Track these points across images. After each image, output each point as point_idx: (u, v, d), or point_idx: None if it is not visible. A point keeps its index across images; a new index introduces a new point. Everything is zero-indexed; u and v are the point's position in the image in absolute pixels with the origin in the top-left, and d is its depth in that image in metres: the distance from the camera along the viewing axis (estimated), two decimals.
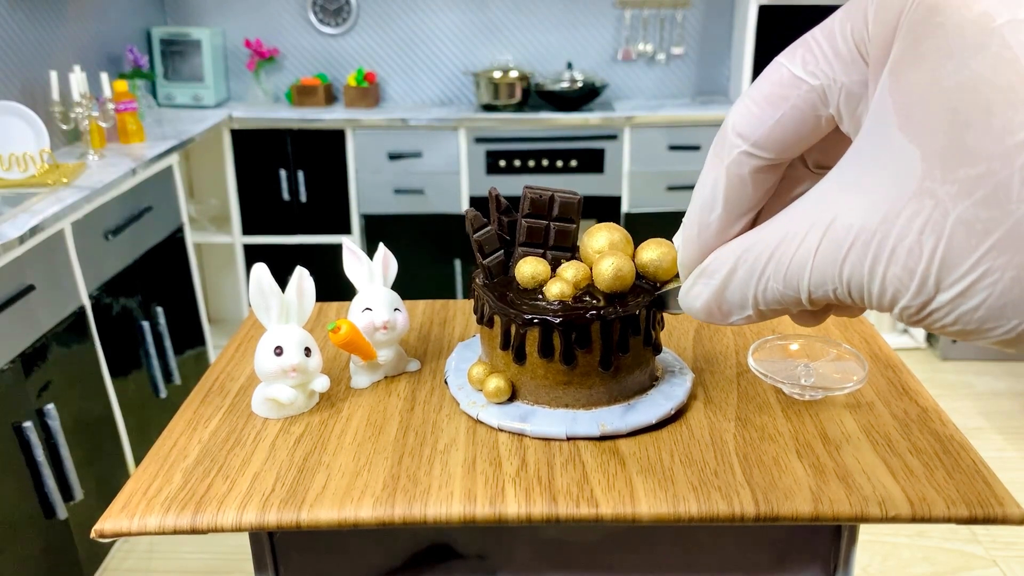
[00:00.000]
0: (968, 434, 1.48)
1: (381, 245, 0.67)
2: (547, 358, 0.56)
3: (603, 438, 0.56)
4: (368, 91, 2.92)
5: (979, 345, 0.28)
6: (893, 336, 2.91)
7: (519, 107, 2.84)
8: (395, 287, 0.66)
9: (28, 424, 1.55)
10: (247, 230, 2.88)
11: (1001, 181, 0.24)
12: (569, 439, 0.56)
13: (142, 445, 2.03)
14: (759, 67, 2.79)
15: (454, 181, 2.79)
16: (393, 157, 2.78)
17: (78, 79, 2.12)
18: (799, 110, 0.31)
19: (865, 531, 1.94)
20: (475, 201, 2.79)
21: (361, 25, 3.04)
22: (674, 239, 0.40)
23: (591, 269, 0.56)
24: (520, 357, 0.57)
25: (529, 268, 0.57)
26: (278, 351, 0.59)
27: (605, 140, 2.76)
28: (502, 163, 2.77)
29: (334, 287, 1.49)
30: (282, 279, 0.59)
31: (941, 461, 0.53)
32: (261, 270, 0.59)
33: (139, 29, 2.87)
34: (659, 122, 2.74)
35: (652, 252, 0.56)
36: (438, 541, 0.64)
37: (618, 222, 1.81)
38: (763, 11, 2.74)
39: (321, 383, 0.61)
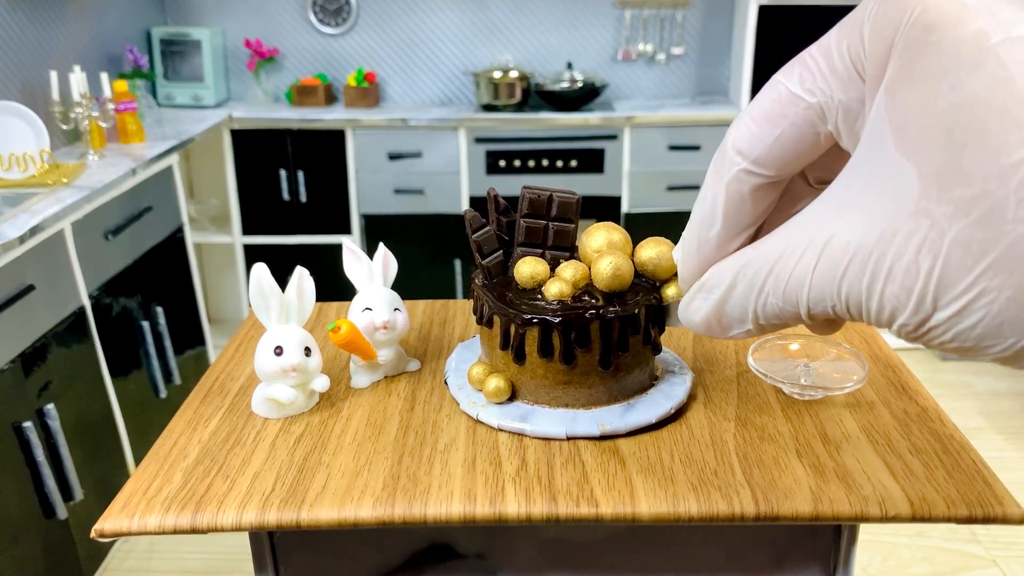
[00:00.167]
0: (968, 434, 1.48)
1: (381, 245, 0.67)
2: (547, 358, 0.56)
3: (603, 438, 0.56)
4: (368, 91, 2.92)
5: (978, 361, 0.28)
6: (893, 336, 2.91)
7: (519, 107, 2.84)
8: (395, 287, 0.66)
9: (28, 424, 1.55)
10: (247, 230, 2.88)
11: (997, 202, 0.25)
12: (569, 439, 0.56)
13: (142, 445, 2.03)
14: (759, 67, 2.79)
15: (454, 181, 2.79)
16: (393, 157, 2.78)
17: (78, 79, 2.12)
18: (798, 127, 0.31)
19: (865, 531, 1.94)
20: (475, 201, 2.79)
21: (361, 25, 3.04)
22: (673, 252, 0.40)
23: (590, 269, 0.56)
24: (520, 357, 0.57)
25: (528, 268, 0.57)
26: (278, 351, 0.59)
27: (605, 140, 2.76)
28: (502, 163, 2.77)
29: (334, 287, 1.50)
30: (282, 279, 0.59)
31: (941, 461, 0.54)
32: (261, 270, 0.59)
33: (139, 29, 2.87)
34: (659, 122, 2.74)
35: (651, 250, 0.56)
36: (438, 541, 0.64)
37: (618, 222, 1.81)
38: (763, 11, 2.74)
39: (321, 383, 0.61)
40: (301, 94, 2.91)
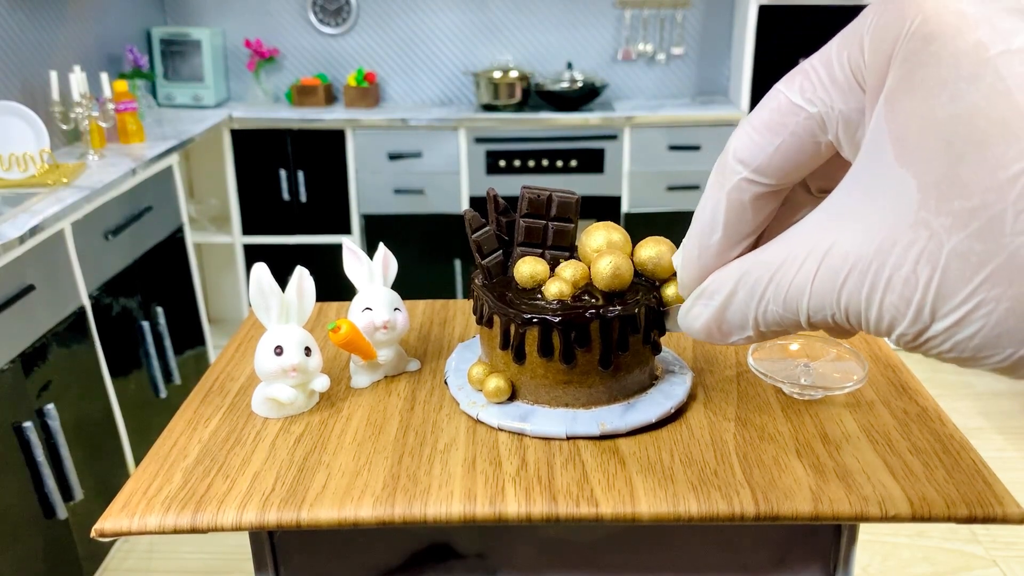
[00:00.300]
0: (968, 434, 1.48)
1: (381, 245, 0.67)
2: (547, 357, 0.56)
3: (603, 437, 0.56)
4: (368, 91, 2.92)
5: (977, 370, 0.28)
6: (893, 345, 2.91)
7: (519, 107, 2.84)
8: (395, 287, 0.66)
9: (28, 424, 1.55)
10: (247, 230, 2.88)
11: (995, 215, 0.25)
12: (569, 438, 0.56)
13: (142, 445, 2.03)
14: (759, 67, 2.79)
15: (454, 181, 2.79)
16: (393, 157, 2.78)
17: (78, 79, 2.12)
18: (798, 137, 0.31)
19: (865, 531, 1.94)
20: (475, 201, 2.79)
21: (361, 25, 3.04)
22: (673, 258, 0.40)
23: (589, 268, 0.56)
24: (520, 357, 0.57)
25: (528, 268, 0.57)
26: (278, 351, 0.59)
27: (605, 140, 2.76)
28: (502, 163, 2.77)
29: (334, 287, 1.50)
30: (282, 279, 0.59)
31: (941, 461, 0.53)
32: (261, 270, 0.59)
33: (139, 29, 2.87)
34: (659, 122, 2.74)
35: (650, 250, 0.56)
36: (438, 541, 0.64)
37: (618, 222, 1.82)
38: (763, 11, 2.74)
39: (321, 383, 0.61)
40: (301, 94, 2.91)
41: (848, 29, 0.30)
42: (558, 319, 0.54)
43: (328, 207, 2.83)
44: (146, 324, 2.11)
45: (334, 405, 0.62)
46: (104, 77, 2.26)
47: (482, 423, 0.58)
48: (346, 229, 2.85)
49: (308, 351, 0.60)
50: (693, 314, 0.37)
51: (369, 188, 2.81)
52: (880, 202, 0.28)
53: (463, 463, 0.54)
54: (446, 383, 0.63)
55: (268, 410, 0.60)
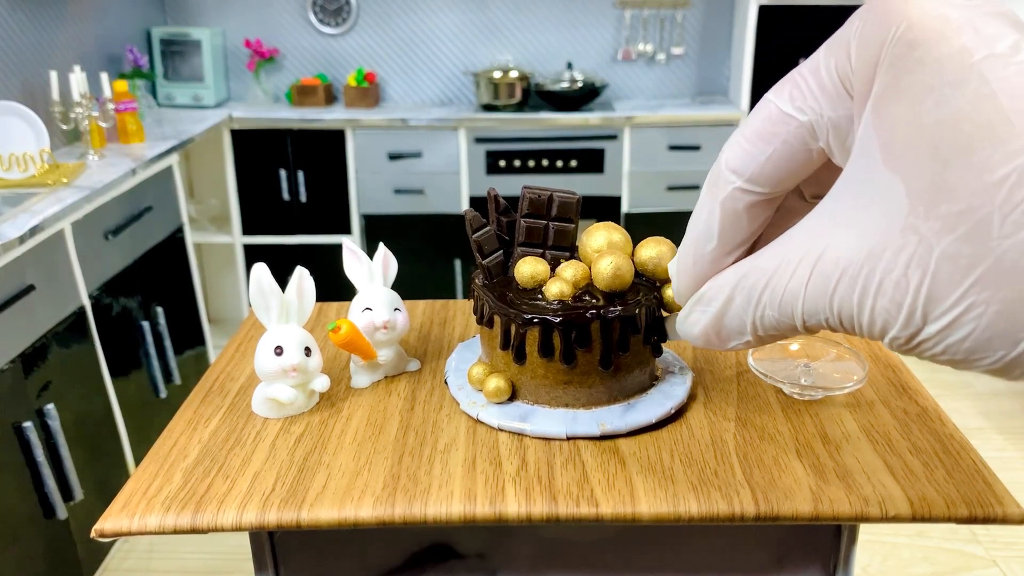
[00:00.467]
0: (968, 434, 1.48)
1: (381, 245, 0.67)
2: (547, 358, 0.56)
3: (603, 437, 0.56)
4: (368, 91, 2.92)
5: (970, 372, 0.29)
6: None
7: (519, 107, 2.84)
8: (395, 287, 0.66)
9: (28, 424, 1.55)
10: (247, 230, 2.88)
11: (982, 218, 0.25)
12: (569, 439, 0.56)
13: (142, 445, 2.03)
14: (759, 67, 2.79)
15: (454, 181, 2.79)
16: (393, 157, 2.78)
17: (78, 79, 2.12)
18: (790, 145, 0.32)
19: (865, 531, 1.94)
20: (475, 201, 2.79)
21: (361, 25, 3.04)
22: (669, 266, 0.41)
23: (590, 268, 0.56)
24: (520, 357, 0.57)
25: (528, 268, 0.57)
26: (278, 351, 0.59)
27: (605, 140, 2.76)
28: (502, 163, 2.77)
29: (334, 287, 1.50)
30: (282, 279, 0.59)
31: (941, 461, 0.53)
32: (261, 270, 0.59)
33: (139, 29, 2.87)
34: (659, 122, 2.74)
35: (651, 250, 0.56)
36: (438, 541, 0.64)
37: (618, 222, 1.82)
38: (763, 11, 2.74)
39: (321, 383, 0.61)
40: (301, 94, 2.91)
41: (835, 37, 0.30)
42: (559, 319, 0.54)
43: (328, 207, 2.83)
44: (146, 324, 2.11)
45: (334, 405, 0.62)
46: (104, 77, 2.26)
47: (482, 423, 0.58)
48: (346, 229, 2.85)
49: (308, 351, 0.60)
50: (691, 320, 0.37)
51: (369, 188, 2.81)
52: (870, 207, 0.28)
53: (463, 463, 0.54)
54: (446, 383, 0.63)
55: (268, 410, 0.60)
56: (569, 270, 0.56)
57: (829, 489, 0.51)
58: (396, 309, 0.64)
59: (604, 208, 2.82)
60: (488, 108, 2.86)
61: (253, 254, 2.89)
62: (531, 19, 3.03)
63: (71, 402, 1.73)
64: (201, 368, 2.46)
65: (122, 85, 2.35)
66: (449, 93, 3.11)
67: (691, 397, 0.61)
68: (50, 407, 1.63)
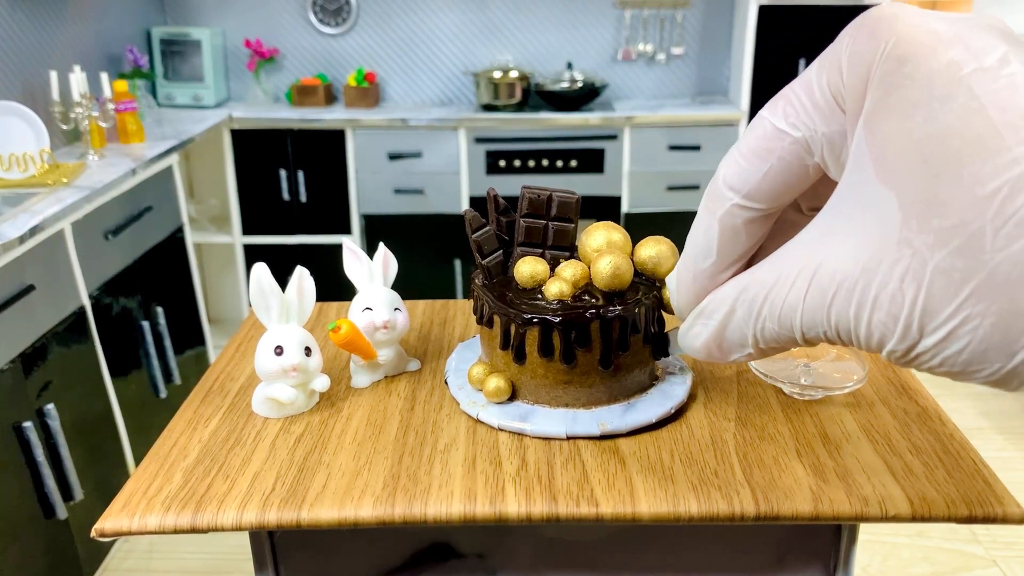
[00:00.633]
0: (968, 434, 1.48)
1: (381, 245, 0.67)
2: (547, 357, 0.56)
3: (603, 437, 0.56)
4: (368, 91, 2.92)
5: (968, 383, 0.29)
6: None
7: (519, 107, 2.84)
8: (395, 287, 0.66)
9: (28, 424, 1.55)
10: (247, 230, 2.88)
11: (974, 232, 0.25)
12: (569, 438, 0.56)
13: (142, 445, 2.03)
14: (759, 67, 2.79)
15: (454, 181, 2.79)
16: (393, 157, 2.78)
17: (78, 79, 2.12)
18: (785, 162, 0.32)
19: (865, 531, 1.94)
20: (475, 201, 2.79)
21: (361, 25, 3.04)
22: (667, 280, 0.41)
23: (589, 268, 0.56)
24: (520, 357, 0.57)
25: (528, 268, 0.57)
26: (278, 351, 0.59)
27: (605, 140, 2.76)
28: (502, 163, 2.77)
29: (334, 287, 1.50)
30: (282, 279, 0.59)
31: (941, 461, 0.53)
32: (261, 270, 0.59)
33: (139, 29, 2.87)
34: (659, 122, 2.74)
35: (650, 249, 0.56)
36: (438, 540, 0.64)
37: (618, 222, 1.82)
38: (763, 11, 2.74)
39: (321, 383, 0.61)
40: (301, 94, 2.91)
41: (826, 52, 0.30)
42: (558, 319, 0.54)
43: (328, 207, 2.83)
44: (146, 324, 2.11)
45: (334, 405, 0.62)
46: (104, 77, 2.26)
47: (482, 423, 0.58)
48: (346, 229, 2.85)
49: (308, 351, 0.60)
50: (693, 334, 0.37)
51: (369, 188, 2.81)
52: (865, 221, 0.28)
53: (463, 463, 0.54)
54: (446, 383, 0.63)
55: (268, 410, 0.60)
56: (569, 270, 0.56)
57: (829, 489, 0.51)
58: (396, 309, 0.64)
59: (604, 208, 2.82)
60: (488, 108, 2.86)
61: (253, 254, 2.89)
62: (531, 19, 3.03)
63: (71, 402, 1.73)
64: (201, 368, 2.46)
65: (122, 85, 2.35)
66: (449, 93, 3.11)
67: (691, 397, 0.61)
68: (50, 407, 1.63)
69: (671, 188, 2.80)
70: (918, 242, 0.26)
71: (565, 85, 2.84)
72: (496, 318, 0.57)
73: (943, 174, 0.25)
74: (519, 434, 0.56)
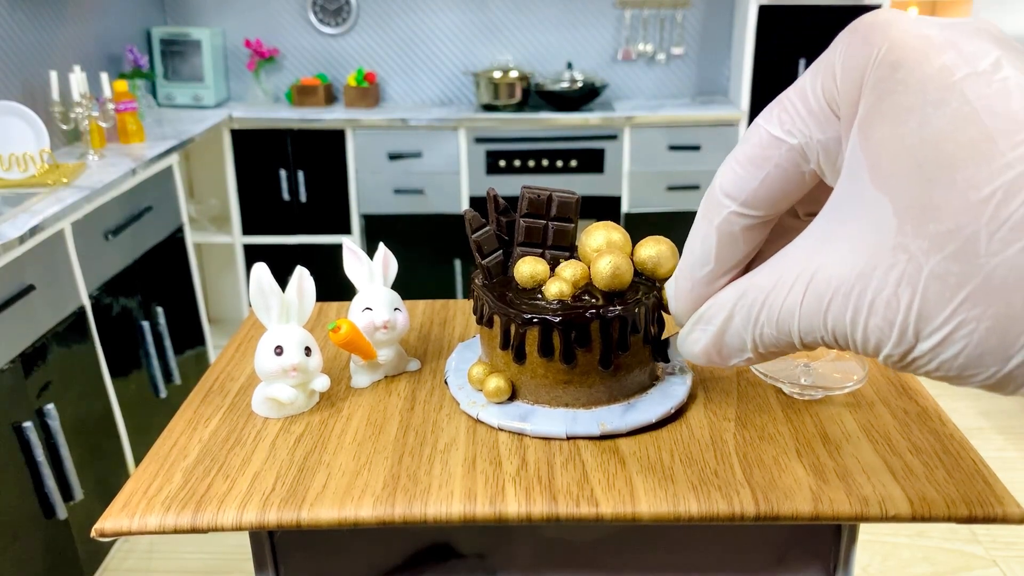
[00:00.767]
0: (968, 434, 1.48)
1: (381, 245, 0.67)
2: (547, 357, 0.56)
3: (603, 437, 0.56)
4: (368, 91, 2.92)
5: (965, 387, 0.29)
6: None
7: (519, 107, 2.84)
8: (395, 287, 0.66)
9: (28, 424, 1.55)
10: (247, 230, 2.88)
11: (969, 237, 0.25)
12: (569, 438, 0.56)
13: (142, 445, 2.03)
14: (759, 67, 2.79)
15: (454, 181, 2.79)
16: (393, 157, 2.78)
17: (78, 79, 2.12)
18: (782, 169, 0.32)
19: (865, 531, 1.94)
20: (475, 201, 2.79)
21: (361, 25, 3.04)
22: (666, 287, 0.41)
23: (589, 268, 0.56)
24: (520, 357, 0.57)
25: (528, 268, 0.57)
26: (278, 351, 0.59)
27: (605, 140, 2.76)
28: (502, 163, 2.77)
29: (334, 287, 1.50)
30: (282, 279, 0.59)
31: (941, 461, 0.54)
32: (261, 270, 0.59)
33: (139, 29, 2.87)
34: (659, 122, 2.74)
35: (650, 249, 0.56)
36: (438, 540, 0.64)
37: (618, 222, 1.82)
38: (763, 11, 2.74)
39: (321, 383, 0.61)
40: (301, 94, 2.91)
41: (820, 59, 0.30)
42: (558, 319, 0.54)
43: (328, 207, 2.83)
44: (146, 324, 2.11)
45: (334, 405, 0.62)
46: (104, 77, 2.26)
47: (482, 423, 0.58)
48: (346, 229, 2.85)
49: (308, 351, 0.60)
50: (692, 339, 0.38)
51: (369, 188, 2.81)
52: (860, 227, 0.29)
53: (463, 463, 0.54)
54: (446, 383, 0.63)
55: (268, 410, 0.60)
56: (568, 270, 0.56)
57: (829, 489, 0.51)
58: (396, 309, 0.64)
59: (604, 208, 2.82)
60: (488, 108, 2.86)
61: (253, 254, 2.89)
62: (531, 19, 3.03)
63: (71, 402, 1.73)
64: (201, 368, 2.46)
65: (122, 85, 2.35)
66: (449, 93, 3.11)
67: (691, 397, 0.61)
68: (50, 407, 1.63)
69: (671, 188, 2.80)
70: (913, 247, 0.26)
71: (565, 85, 2.84)
72: (496, 318, 0.57)
73: (937, 179, 0.26)
74: (519, 434, 0.56)
